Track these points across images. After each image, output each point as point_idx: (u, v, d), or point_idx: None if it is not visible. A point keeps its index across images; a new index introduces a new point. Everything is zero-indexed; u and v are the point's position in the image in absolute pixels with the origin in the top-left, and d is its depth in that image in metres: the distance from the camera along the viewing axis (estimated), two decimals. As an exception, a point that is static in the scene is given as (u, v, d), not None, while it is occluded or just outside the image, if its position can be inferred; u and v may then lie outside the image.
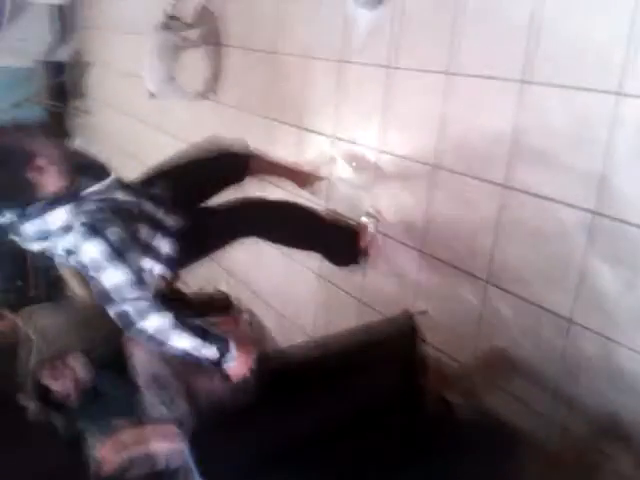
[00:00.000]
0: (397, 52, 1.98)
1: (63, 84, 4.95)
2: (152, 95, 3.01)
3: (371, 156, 2.17)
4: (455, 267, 1.88)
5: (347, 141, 2.27)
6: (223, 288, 2.72)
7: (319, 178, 2.33)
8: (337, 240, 2.09)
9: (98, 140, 4.69)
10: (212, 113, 3.12)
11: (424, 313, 1.87)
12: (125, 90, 4.19)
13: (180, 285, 2.11)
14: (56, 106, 4.91)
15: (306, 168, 2.37)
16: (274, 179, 2.37)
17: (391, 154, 2.08)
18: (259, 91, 2.77)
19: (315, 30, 2.33)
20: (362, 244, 2.09)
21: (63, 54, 4.85)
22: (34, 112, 4.82)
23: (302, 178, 2.31)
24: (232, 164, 2.02)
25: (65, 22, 4.70)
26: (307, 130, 2.46)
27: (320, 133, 2.40)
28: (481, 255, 1.78)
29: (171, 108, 3.44)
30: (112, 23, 4.39)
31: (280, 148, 2.54)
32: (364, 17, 2.04)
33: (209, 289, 2.63)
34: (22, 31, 4.42)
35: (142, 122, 3.97)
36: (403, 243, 2.08)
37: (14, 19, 4.35)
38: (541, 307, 1.63)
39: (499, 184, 1.71)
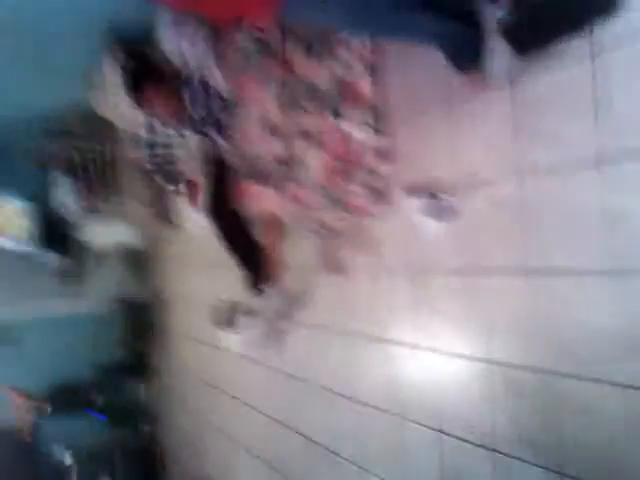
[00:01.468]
0: (474, 258, 1.91)
1: (144, 324, 5.18)
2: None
3: (464, 366, 1.98)
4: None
5: (431, 350, 2.11)
6: None
7: None
8: None
9: (177, 363, 4.75)
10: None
11: None
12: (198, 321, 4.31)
13: None
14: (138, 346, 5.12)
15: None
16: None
17: (486, 361, 1.89)
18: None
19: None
20: None
21: (143, 294, 5.17)
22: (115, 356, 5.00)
23: None
24: None
25: (142, 262, 5.09)
26: (384, 340, 2.34)
27: (399, 343, 2.26)
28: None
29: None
30: (189, 259, 4.69)
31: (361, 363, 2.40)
32: (434, 227, 2.01)
33: None
34: (101, 279, 4.83)
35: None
36: (520, 459, 1.78)
37: (97, 265, 4.77)
38: None
39: (619, 384, 1.47)
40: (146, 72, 2.27)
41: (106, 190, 4.28)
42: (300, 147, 2.03)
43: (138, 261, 5.05)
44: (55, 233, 4.72)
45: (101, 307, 4.91)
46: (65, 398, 4.71)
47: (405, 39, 1.77)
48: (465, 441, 2.01)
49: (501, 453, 1.88)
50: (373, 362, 2.43)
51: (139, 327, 5.13)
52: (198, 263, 4.32)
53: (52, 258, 4.84)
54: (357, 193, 2.17)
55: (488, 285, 1.87)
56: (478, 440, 1.96)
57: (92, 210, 4.42)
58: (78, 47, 2.67)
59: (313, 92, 2.00)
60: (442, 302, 2.06)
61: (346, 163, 2.12)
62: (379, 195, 2.24)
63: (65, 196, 4.66)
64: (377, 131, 2.15)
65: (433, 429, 2.14)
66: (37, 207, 4.57)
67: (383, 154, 2.17)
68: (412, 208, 2.06)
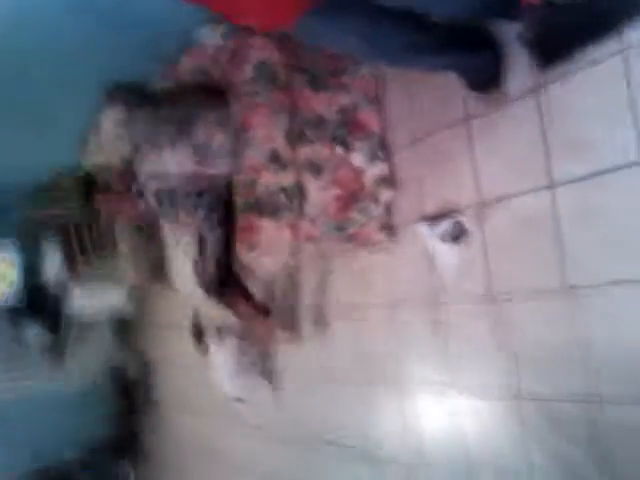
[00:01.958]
0: (495, 282, 1.81)
1: (133, 399, 4.89)
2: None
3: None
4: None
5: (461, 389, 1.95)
6: None
7: None
8: None
9: (171, 441, 4.42)
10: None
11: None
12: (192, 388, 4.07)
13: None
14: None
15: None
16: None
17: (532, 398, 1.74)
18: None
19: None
20: None
21: (132, 365, 4.91)
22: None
23: None
24: None
25: (131, 330, 4.87)
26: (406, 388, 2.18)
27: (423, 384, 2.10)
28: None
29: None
30: (171, 319, 4.50)
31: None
32: (451, 252, 1.91)
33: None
34: (85, 351, 4.58)
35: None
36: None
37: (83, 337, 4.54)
38: None
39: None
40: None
41: (98, 254, 4.14)
42: (305, 177, 1.98)
43: (126, 329, 4.83)
44: (41, 307, 4.54)
45: (88, 383, 4.63)
46: (50, 480, 4.34)
47: (421, 70, 1.76)
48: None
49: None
50: (389, 410, 2.24)
51: (128, 402, 4.82)
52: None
53: (36, 333, 4.63)
54: (362, 222, 2.09)
55: (514, 310, 1.76)
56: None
57: (82, 276, 4.25)
58: (77, 101, 2.64)
59: (319, 123, 1.98)
60: (462, 334, 1.93)
61: (351, 192, 2.05)
62: (386, 224, 2.17)
63: (52, 266, 4.51)
64: (384, 159, 2.11)
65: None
66: (24, 278, 4.44)
67: (389, 182, 2.12)
68: (425, 234, 1.98)
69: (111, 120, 2.48)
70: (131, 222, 2.43)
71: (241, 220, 1.98)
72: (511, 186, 1.73)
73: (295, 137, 1.93)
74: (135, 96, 2.30)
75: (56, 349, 4.49)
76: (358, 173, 2.08)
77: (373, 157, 2.10)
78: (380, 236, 2.15)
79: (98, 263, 4.23)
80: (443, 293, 1.98)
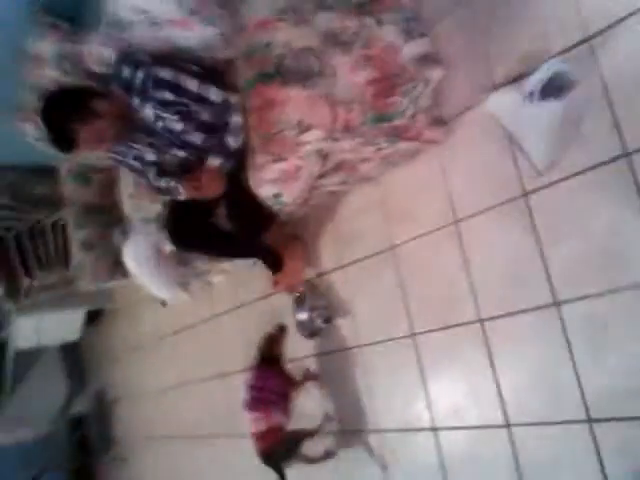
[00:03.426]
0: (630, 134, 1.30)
1: (86, 437, 4.01)
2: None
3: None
4: None
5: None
6: None
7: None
8: None
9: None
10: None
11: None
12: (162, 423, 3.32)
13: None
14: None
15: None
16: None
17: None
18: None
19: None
20: None
21: (81, 406, 4.05)
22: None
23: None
24: None
25: (78, 365, 4.03)
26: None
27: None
28: None
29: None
30: (128, 344, 3.76)
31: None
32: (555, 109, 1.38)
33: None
34: (30, 393, 3.69)
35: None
36: None
37: (21, 382, 3.66)
38: None
39: None
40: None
41: (48, 267, 3.36)
42: (328, 52, 1.45)
43: (78, 358, 4.01)
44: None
45: (38, 430, 3.73)
46: None
47: None
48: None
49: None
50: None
51: (86, 445, 3.94)
52: (158, 341, 3.40)
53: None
54: (409, 111, 1.56)
55: None
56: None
57: (28, 301, 3.45)
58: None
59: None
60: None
61: (389, 75, 1.53)
62: (437, 116, 1.64)
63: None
64: (421, 34, 1.61)
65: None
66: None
67: (435, 59, 1.61)
68: (503, 106, 1.47)
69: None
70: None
71: (254, 98, 1.38)
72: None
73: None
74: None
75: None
76: (394, 50, 1.57)
77: (408, 31, 1.60)
78: (434, 131, 1.62)
79: (47, 279, 3.46)
80: (534, 181, 1.46)
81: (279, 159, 1.48)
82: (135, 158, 1.82)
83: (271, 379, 2.00)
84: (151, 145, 1.76)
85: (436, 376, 1.75)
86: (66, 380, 3.95)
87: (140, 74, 1.60)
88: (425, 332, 1.77)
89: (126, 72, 1.63)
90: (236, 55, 1.50)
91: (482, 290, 1.61)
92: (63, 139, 1.62)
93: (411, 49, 1.59)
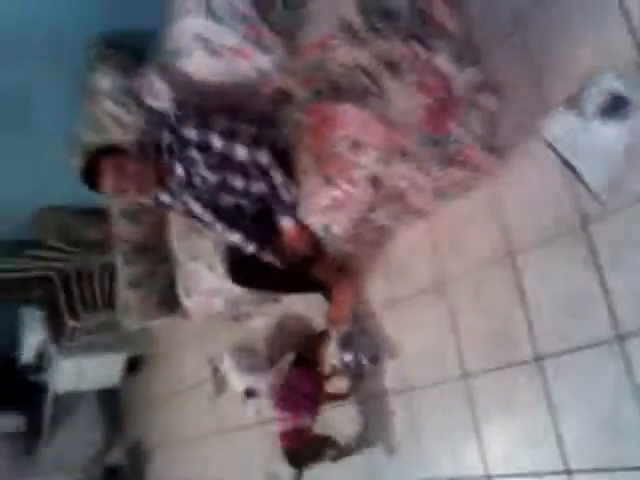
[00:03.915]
0: None
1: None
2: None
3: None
4: None
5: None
6: None
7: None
8: None
9: None
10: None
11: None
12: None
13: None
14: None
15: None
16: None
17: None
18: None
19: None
20: None
21: (116, 456, 3.96)
22: None
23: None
24: None
25: (115, 412, 3.97)
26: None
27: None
28: None
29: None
30: (168, 390, 3.69)
31: None
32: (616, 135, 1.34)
33: None
34: (66, 438, 3.63)
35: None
36: None
37: (58, 426, 3.62)
38: None
39: None
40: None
41: (93, 308, 3.38)
42: (383, 76, 1.46)
43: (116, 405, 3.94)
44: (11, 389, 3.70)
45: (71, 476, 3.64)
46: None
47: None
48: None
49: None
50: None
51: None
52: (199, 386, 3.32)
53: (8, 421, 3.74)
54: (463, 139, 1.54)
55: None
56: None
57: (72, 343, 3.45)
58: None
59: (389, 14, 1.51)
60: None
61: (441, 102, 1.52)
62: (491, 144, 1.61)
63: (32, 335, 3.72)
64: (473, 63, 1.62)
65: None
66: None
67: (490, 88, 1.60)
68: (552, 130, 1.43)
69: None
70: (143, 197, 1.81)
71: (309, 116, 1.38)
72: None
73: (367, 11, 1.44)
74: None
75: (33, 437, 3.57)
76: (447, 78, 1.57)
77: (459, 59, 1.60)
78: (487, 157, 1.59)
79: (91, 322, 3.47)
80: (593, 209, 1.39)
81: (331, 183, 1.48)
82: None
83: (305, 381, 2.00)
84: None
85: (489, 419, 1.63)
86: (103, 427, 3.89)
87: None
88: (479, 373, 1.67)
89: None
90: (289, 82, 1.53)
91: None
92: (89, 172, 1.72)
93: (465, 77, 1.59)
